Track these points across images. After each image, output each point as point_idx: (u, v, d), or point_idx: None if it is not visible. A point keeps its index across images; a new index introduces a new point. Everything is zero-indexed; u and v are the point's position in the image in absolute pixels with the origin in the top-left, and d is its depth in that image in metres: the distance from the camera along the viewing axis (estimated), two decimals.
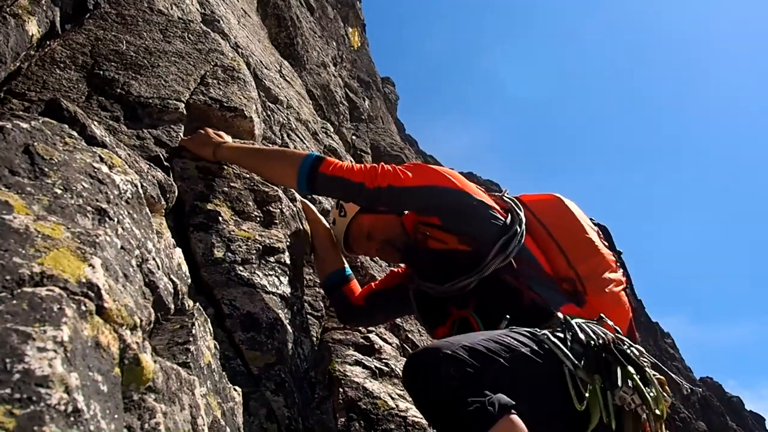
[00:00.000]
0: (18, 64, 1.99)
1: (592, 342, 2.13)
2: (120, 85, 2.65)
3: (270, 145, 3.41)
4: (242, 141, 2.97)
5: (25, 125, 1.22)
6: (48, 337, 0.89)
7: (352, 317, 3.04)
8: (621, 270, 2.71)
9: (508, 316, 2.30)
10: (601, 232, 2.76)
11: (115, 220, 1.23)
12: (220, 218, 2.51)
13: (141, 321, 1.14)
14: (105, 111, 2.54)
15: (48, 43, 2.37)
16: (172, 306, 1.39)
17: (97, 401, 0.92)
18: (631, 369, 2.07)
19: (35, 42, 2.04)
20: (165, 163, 2.50)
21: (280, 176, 2.77)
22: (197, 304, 1.94)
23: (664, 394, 2.12)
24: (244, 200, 2.69)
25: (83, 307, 1.00)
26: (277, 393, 2.15)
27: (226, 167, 2.75)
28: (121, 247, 1.21)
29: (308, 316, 2.93)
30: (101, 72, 2.66)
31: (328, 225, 3.12)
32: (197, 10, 3.83)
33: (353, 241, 2.94)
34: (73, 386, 0.86)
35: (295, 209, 2.98)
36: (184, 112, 2.80)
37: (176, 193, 2.19)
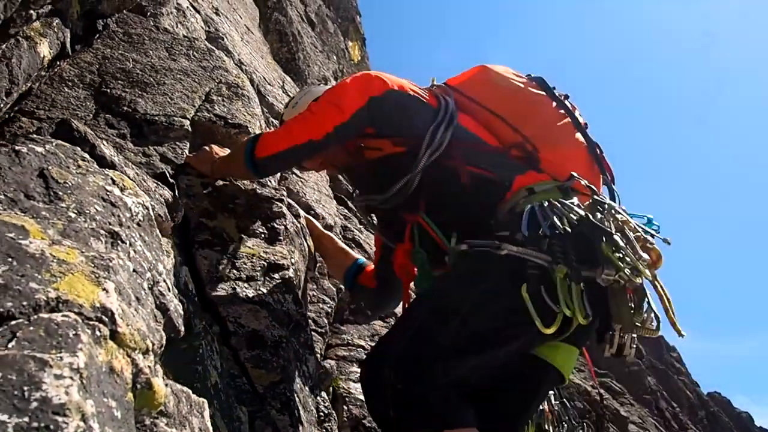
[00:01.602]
0: (29, 85, 2.02)
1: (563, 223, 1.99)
2: (126, 103, 2.68)
3: None
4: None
5: (39, 149, 1.24)
6: (64, 364, 0.90)
7: (378, 304, 3.00)
8: (570, 116, 2.52)
9: (455, 235, 2.18)
10: (537, 84, 2.56)
11: (128, 243, 1.25)
12: (225, 235, 2.53)
13: (153, 345, 1.15)
14: (112, 128, 2.56)
15: (58, 63, 2.40)
16: (182, 328, 1.40)
17: (111, 428, 0.93)
18: (617, 238, 1.89)
19: (46, 63, 2.06)
20: (171, 180, 2.52)
21: (244, 176, 2.66)
22: (204, 323, 1.95)
23: (645, 255, 1.91)
24: (249, 217, 2.70)
25: (98, 332, 1.01)
26: (283, 412, 2.15)
27: (230, 184, 2.76)
28: (134, 270, 1.22)
29: (312, 332, 2.93)
30: (108, 90, 2.68)
31: (332, 235, 3.13)
32: (202, 27, 3.86)
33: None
34: (89, 414, 0.87)
35: (299, 225, 2.99)
36: (190, 129, 2.82)
37: (183, 212, 2.20)
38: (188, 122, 2.82)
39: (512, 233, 2.04)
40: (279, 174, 3.52)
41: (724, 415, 23.09)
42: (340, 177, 2.98)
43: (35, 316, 0.95)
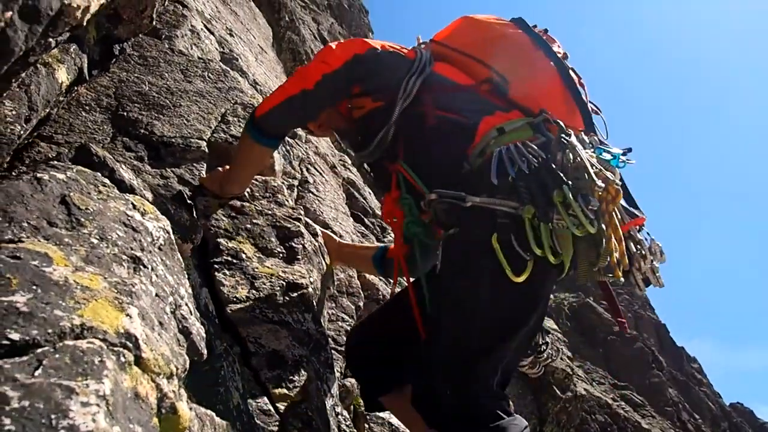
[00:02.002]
0: (48, 110, 2.04)
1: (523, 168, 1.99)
2: (143, 126, 2.70)
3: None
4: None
5: (61, 176, 1.25)
6: (91, 391, 0.90)
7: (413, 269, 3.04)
8: (544, 48, 2.46)
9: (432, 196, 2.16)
10: (514, 23, 2.56)
11: (149, 267, 1.25)
12: (244, 255, 2.53)
13: (177, 369, 1.15)
14: (129, 151, 2.58)
15: (76, 88, 2.43)
16: (205, 351, 1.40)
17: None
18: (566, 189, 1.91)
19: (64, 89, 2.08)
20: (188, 201, 2.53)
21: (249, 155, 2.65)
22: (224, 344, 1.95)
23: (595, 201, 1.92)
24: (267, 236, 2.71)
25: (122, 358, 1.01)
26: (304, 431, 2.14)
27: (247, 204, 2.77)
28: (156, 295, 1.22)
29: (332, 351, 2.92)
30: (125, 113, 2.71)
31: (348, 241, 3.15)
32: (216, 49, 3.90)
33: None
34: None
35: (317, 244, 2.99)
36: (206, 150, 2.83)
37: (201, 233, 2.21)
38: (205, 143, 2.84)
39: (483, 181, 2.06)
40: (296, 192, 3.53)
41: (748, 426, 22.73)
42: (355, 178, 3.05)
43: (60, 344, 0.95)
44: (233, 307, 2.33)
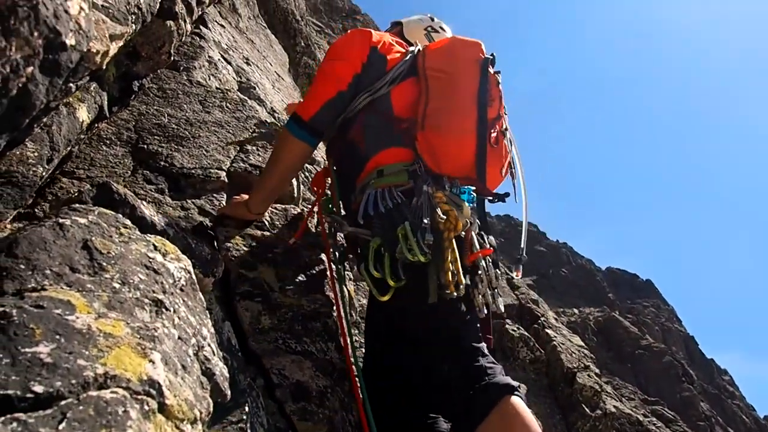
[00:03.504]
0: (69, 149, 2.06)
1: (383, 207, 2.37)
2: (163, 158, 2.72)
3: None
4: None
5: (82, 220, 1.25)
6: None
7: None
8: (479, 107, 2.54)
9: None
10: (479, 66, 2.60)
11: (172, 309, 1.25)
12: (266, 285, 2.52)
13: (201, 413, 1.14)
14: (150, 184, 2.60)
15: (96, 125, 2.45)
16: (229, 392, 1.38)
17: None
18: (407, 226, 2.24)
19: (85, 127, 2.11)
20: (209, 232, 2.54)
21: (291, 158, 2.68)
22: (248, 378, 1.94)
23: (430, 238, 2.22)
24: (288, 265, 2.70)
25: (146, 407, 1.00)
26: None
27: (267, 233, 2.77)
28: (179, 338, 1.22)
29: (356, 379, 2.90)
30: (145, 146, 2.73)
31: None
32: (234, 78, 3.93)
33: None
34: None
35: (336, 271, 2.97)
36: (226, 180, 2.85)
37: (223, 266, 2.21)
38: (224, 173, 2.86)
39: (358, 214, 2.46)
40: (315, 219, 3.53)
41: None
42: None
43: (84, 395, 0.95)
44: (256, 337, 2.33)
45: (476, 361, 2.22)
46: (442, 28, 3.31)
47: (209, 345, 1.34)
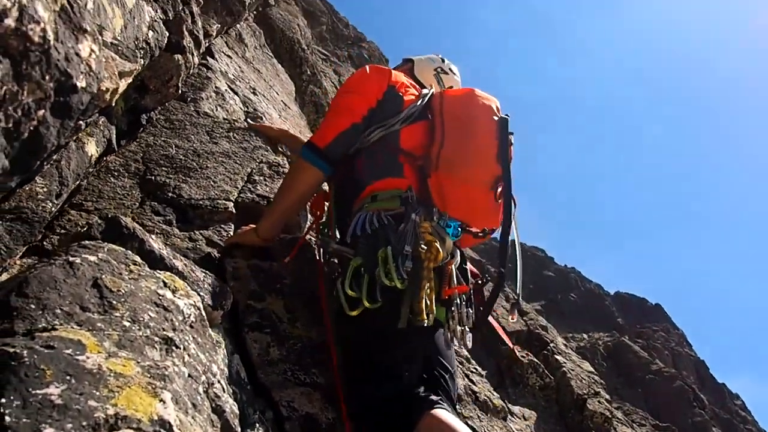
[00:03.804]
0: (78, 183, 2.07)
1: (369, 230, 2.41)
2: (171, 189, 2.73)
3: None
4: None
5: (92, 258, 1.25)
6: None
7: None
8: (502, 166, 2.61)
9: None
10: (497, 123, 2.67)
11: (182, 347, 1.24)
12: (274, 316, 2.51)
13: None
14: (158, 215, 2.61)
15: (105, 158, 2.47)
16: (239, 429, 1.37)
17: None
18: (388, 251, 2.27)
19: (94, 161, 2.12)
20: (217, 263, 2.54)
21: (304, 184, 2.73)
22: (257, 412, 1.92)
23: (409, 264, 2.25)
24: (296, 296, 2.69)
25: None
26: None
27: (275, 264, 2.77)
28: (189, 375, 1.21)
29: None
30: (153, 177, 2.75)
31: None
32: (240, 109, 3.96)
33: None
34: None
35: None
36: (234, 210, 2.86)
37: (231, 299, 2.21)
38: (232, 204, 2.87)
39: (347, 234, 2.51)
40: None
41: None
42: None
43: None
44: (265, 369, 2.31)
45: (416, 388, 2.25)
46: (451, 69, 3.46)
47: (219, 381, 1.33)
